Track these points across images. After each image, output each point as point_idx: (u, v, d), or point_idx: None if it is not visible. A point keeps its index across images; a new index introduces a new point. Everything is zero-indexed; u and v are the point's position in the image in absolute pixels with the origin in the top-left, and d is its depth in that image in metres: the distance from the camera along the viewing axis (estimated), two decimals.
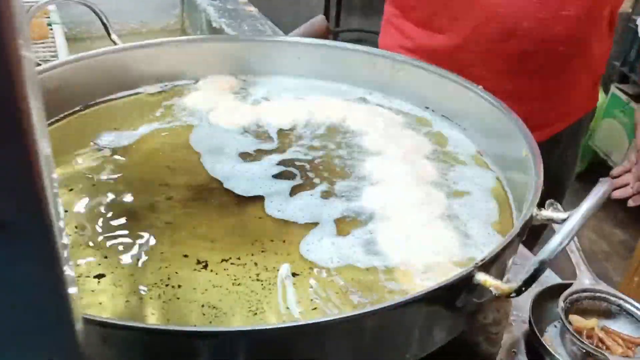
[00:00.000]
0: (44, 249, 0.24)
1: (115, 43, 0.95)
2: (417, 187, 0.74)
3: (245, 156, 0.81)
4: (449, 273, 0.50)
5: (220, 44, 1.04)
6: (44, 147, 0.24)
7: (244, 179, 0.75)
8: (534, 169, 0.65)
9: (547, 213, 0.56)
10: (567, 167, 1.29)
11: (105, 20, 0.94)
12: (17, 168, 0.23)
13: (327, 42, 1.06)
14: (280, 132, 0.89)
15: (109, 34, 0.94)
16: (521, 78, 1.09)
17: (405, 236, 0.65)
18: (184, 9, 2.10)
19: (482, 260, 0.49)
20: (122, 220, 0.67)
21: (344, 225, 0.67)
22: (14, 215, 0.23)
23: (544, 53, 1.06)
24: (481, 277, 0.47)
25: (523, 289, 0.45)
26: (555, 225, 0.61)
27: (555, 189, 1.23)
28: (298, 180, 0.76)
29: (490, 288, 0.47)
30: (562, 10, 1.01)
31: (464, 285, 0.48)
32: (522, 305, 0.73)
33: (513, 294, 0.45)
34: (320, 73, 1.06)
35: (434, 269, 0.60)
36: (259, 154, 0.82)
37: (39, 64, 0.93)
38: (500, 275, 0.54)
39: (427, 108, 0.98)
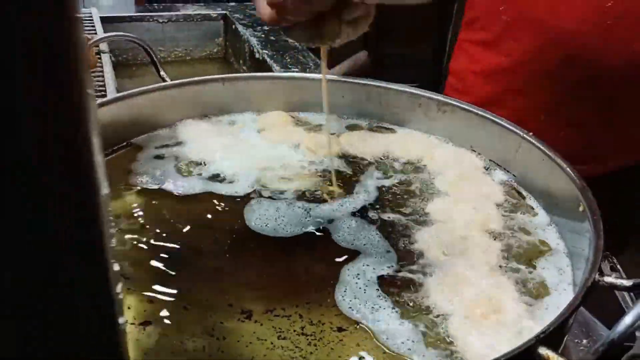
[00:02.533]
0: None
1: (164, 80, 0.97)
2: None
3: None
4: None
5: (268, 81, 1.06)
6: (104, 184, 0.23)
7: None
8: (592, 229, 0.62)
9: (610, 280, 0.54)
10: (636, 214, 1.16)
11: (155, 58, 0.96)
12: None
13: (370, 81, 1.06)
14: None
15: (157, 71, 0.96)
16: (584, 105, 1.04)
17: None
18: (227, 39, 2.14)
19: (542, 333, 0.47)
20: (168, 264, 0.67)
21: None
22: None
23: (608, 80, 1.01)
24: (543, 352, 0.45)
25: None
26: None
27: (616, 237, 1.17)
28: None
29: None
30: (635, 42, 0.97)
31: None
32: None
33: None
34: (361, 112, 1.06)
35: None
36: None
37: None
38: (557, 347, 0.51)
39: (474, 150, 0.97)
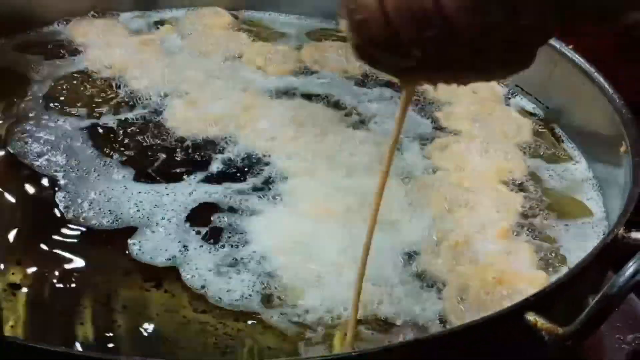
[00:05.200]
0: None
1: None
2: None
3: None
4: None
5: None
6: None
7: None
8: (630, 173, 0.71)
9: (637, 235, 0.62)
10: None
11: None
12: None
13: None
14: None
15: None
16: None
17: None
18: None
19: (533, 296, 0.55)
20: None
21: None
22: None
23: None
24: (531, 317, 0.53)
25: (583, 332, 0.51)
26: None
27: None
28: None
29: (542, 333, 0.53)
30: None
31: (510, 326, 0.55)
32: None
33: (569, 341, 0.51)
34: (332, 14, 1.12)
35: None
36: None
37: None
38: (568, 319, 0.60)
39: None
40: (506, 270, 0.72)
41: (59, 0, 1.02)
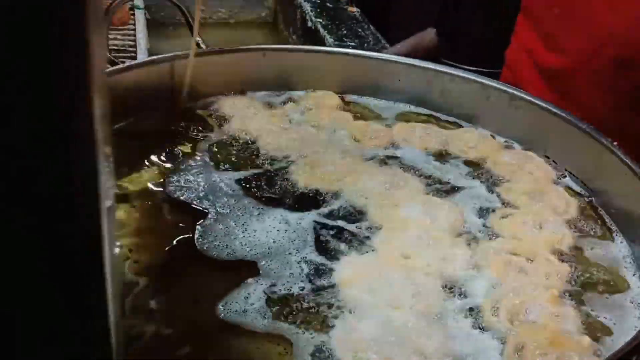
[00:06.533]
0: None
1: (198, 46, 1.02)
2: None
3: None
4: None
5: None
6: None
7: None
8: None
9: None
10: None
11: (190, 20, 1.01)
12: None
13: (432, 65, 1.07)
14: None
15: (192, 34, 1.01)
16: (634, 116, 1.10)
17: None
18: (278, 1, 2.19)
19: None
20: None
21: None
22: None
23: None
24: None
25: None
26: None
27: None
28: None
29: None
30: None
31: None
32: None
33: None
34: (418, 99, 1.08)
35: None
36: None
37: (114, 61, 1.01)
38: None
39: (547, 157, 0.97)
40: (556, 333, 0.65)
41: (217, 81, 1.02)
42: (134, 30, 1.49)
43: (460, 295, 0.71)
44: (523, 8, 1.24)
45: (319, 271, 0.72)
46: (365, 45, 1.60)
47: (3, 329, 0.28)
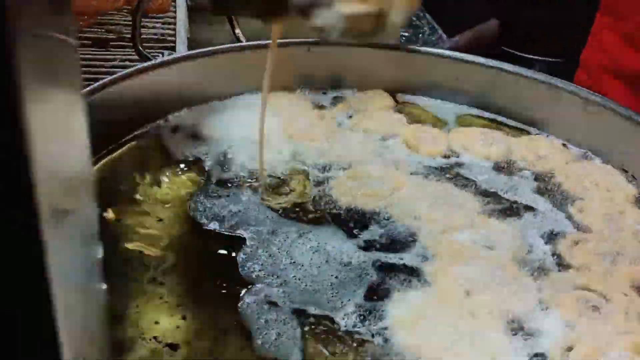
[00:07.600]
0: None
1: (238, 39, 0.94)
2: None
3: None
4: None
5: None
6: None
7: None
8: None
9: None
10: None
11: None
12: None
13: (497, 63, 0.97)
14: None
15: (232, 28, 0.93)
16: None
17: None
18: None
19: None
20: None
21: None
22: None
23: None
24: None
25: None
26: None
27: None
28: None
29: None
30: None
31: None
32: None
33: None
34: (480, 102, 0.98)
35: None
36: None
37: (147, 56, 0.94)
38: None
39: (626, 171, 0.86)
40: None
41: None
42: (174, 17, 1.42)
43: (525, 338, 0.62)
44: (603, 7, 1.13)
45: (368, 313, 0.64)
46: (420, 35, 1.49)
47: None
